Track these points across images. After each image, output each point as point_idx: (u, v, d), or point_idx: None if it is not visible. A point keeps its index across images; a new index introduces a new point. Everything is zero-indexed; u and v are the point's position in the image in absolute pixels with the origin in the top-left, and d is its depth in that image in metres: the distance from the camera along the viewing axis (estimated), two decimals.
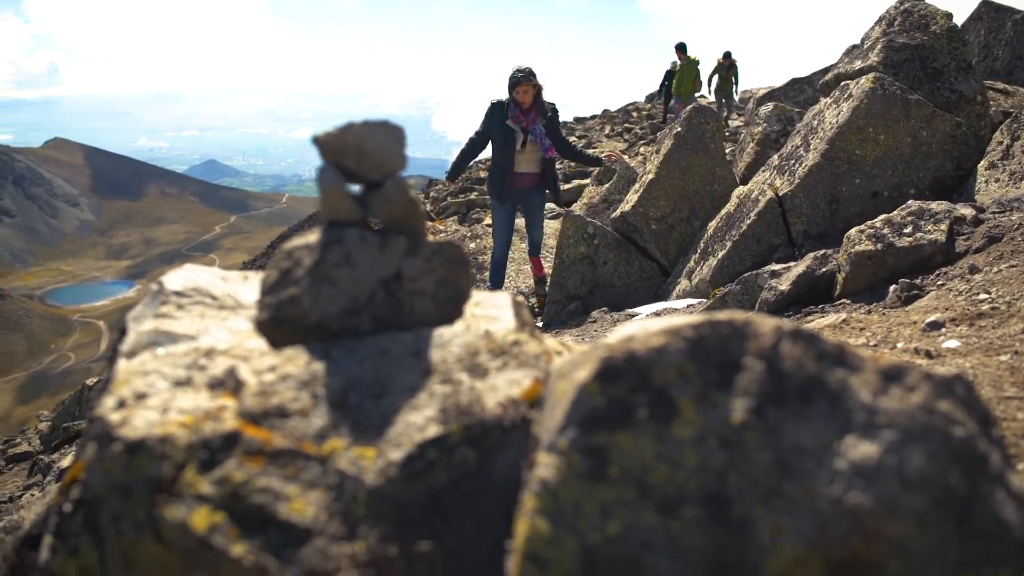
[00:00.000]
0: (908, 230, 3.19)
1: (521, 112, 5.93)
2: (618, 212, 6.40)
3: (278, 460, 0.85)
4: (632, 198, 6.30)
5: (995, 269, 2.57)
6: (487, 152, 6.37)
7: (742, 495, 0.71)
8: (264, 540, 0.80)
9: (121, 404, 0.94)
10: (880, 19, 5.44)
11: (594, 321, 5.29)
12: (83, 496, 0.92)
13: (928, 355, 1.94)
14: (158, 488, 0.85)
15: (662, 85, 18.43)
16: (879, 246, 3.16)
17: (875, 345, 2.15)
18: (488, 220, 11.55)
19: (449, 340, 0.98)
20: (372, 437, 0.86)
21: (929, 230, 3.15)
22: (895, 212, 3.36)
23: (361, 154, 0.99)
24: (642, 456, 0.73)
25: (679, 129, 6.15)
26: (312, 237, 1.04)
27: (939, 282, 2.79)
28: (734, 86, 16.61)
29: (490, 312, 1.08)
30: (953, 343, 1.98)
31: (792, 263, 4.03)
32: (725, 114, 16.22)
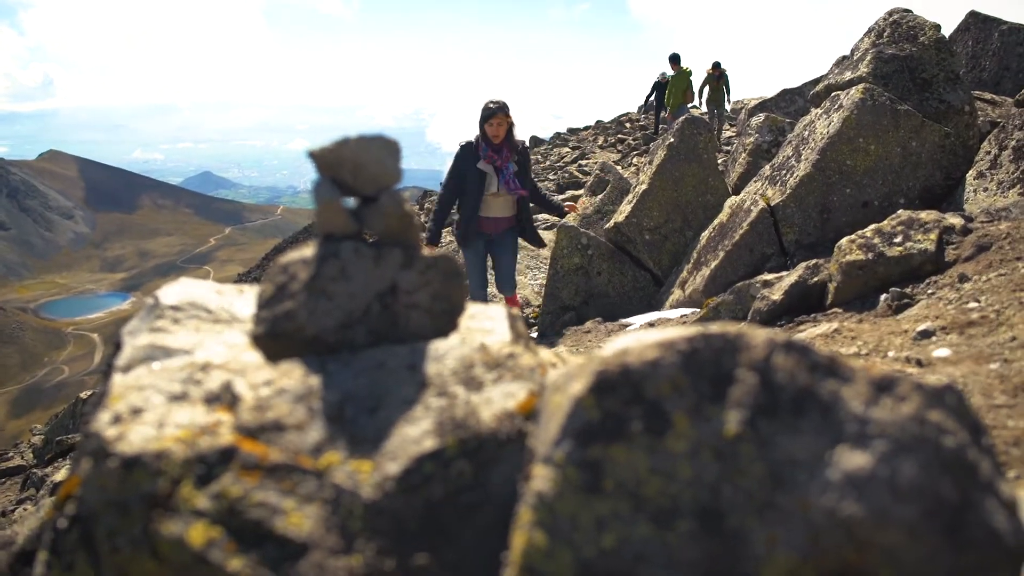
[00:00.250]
0: (898, 240, 3.21)
1: (493, 150, 5.44)
2: (611, 223, 6.42)
3: (275, 474, 0.85)
4: (625, 209, 6.33)
5: (984, 278, 2.59)
6: None
7: (736, 507, 0.72)
8: (261, 555, 0.80)
9: (117, 419, 0.94)
10: (869, 30, 5.49)
11: (588, 331, 5.30)
12: (78, 512, 0.92)
13: (919, 364, 1.95)
14: (154, 503, 0.85)
15: (648, 97, 18.56)
16: (870, 256, 3.18)
17: (867, 354, 2.16)
18: None
19: (444, 353, 0.98)
20: (368, 451, 0.87)
21: (919, 240, 3.17)
22: (885, 222, 3.38)
23: (357, 168, 1.00)
24: (636, 469, 0.73)
25: (672, 140, 6.19)
26: (308, 251, 1.04)
27: (929, 291, 2.81)
28: (725, 96, 16.70)
29: (485, 325, 1.09)
30: (944, 352, 1.99)
31: (784, 273, 4.05)
32: (716, 125, 16.31)
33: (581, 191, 11.28)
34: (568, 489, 0.73)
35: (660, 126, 18.27)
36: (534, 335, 5.98)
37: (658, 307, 5.79)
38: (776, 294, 3.55)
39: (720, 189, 6.20)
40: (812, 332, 2.62)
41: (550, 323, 6.05)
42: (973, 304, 2.34)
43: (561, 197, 13.31)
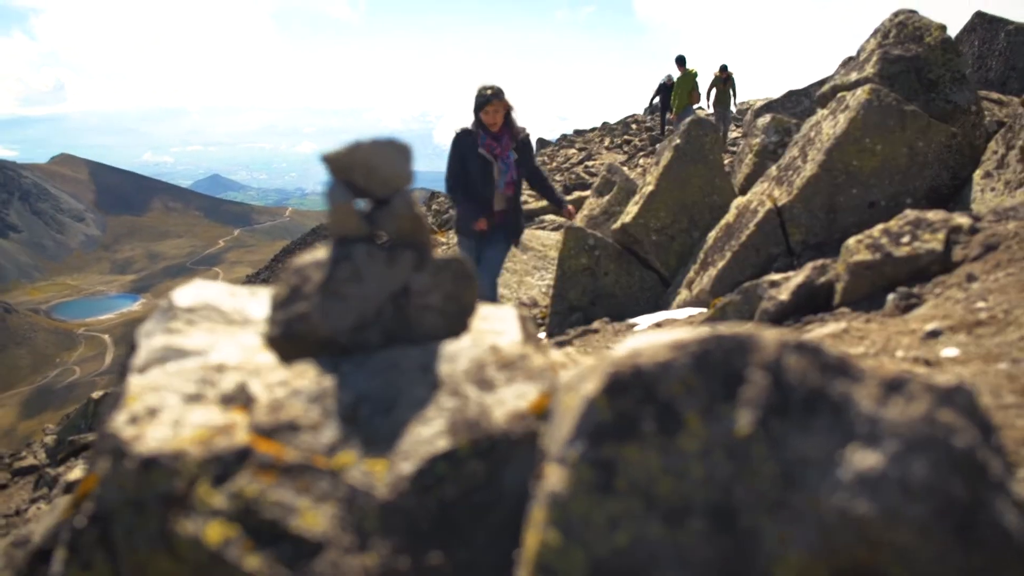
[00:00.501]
0: (905, 239, 3.21)
1: (492, 138, 5.06)
2: (618, 224, 6.42)
3: (290, 474, 0.86)
4: (632, 210, 6.33)
5: (992, 277, 2.59)
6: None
7: (748, 506, 0.72)
8: (277, 553, 0.81)
9: (133, 420, 0.95)
10: (875, 31, 5.48)
11: (596, 331, 5.30)
12: (97, 511, 0.93)
13: (927, 363, 1.95)
14: (171, 503, 0.86)
15: (652, 99, 18.56)
16: (877, 256, 3.17)
17: (875, 354, 2.16)
18: None
19: (457, 354, 0.99)
20: (382, 451, 0.88)
21: (926, 239, 3.16)
22: (892, 222, 3.38)
23: (369, 171, 1.01)
24: (649, 468, 0.74)
25: (678, 141, 6.19)
26: (321, 253, 1.06)
27: (937, 291, 2.80)
28: (732, 98, 16.69)
29: (496, 326, 1.10)
30: (952, 351, 1.99)
31: (791, 273, 4.04)
32: (723, 126, 16.29)
33: (588, 192, 11.29)
34: (581, 488, 0.74)
35: (666, 127, 18.26)
36: (541, 335, 5.99)
37: (665, 307, 5.79)
38: (783, 294, 3.55)
39: (727, 190, 6.20)
40: (820, 332, 2.62)
41: (557, 323, 6.06)
42: (981, 304, 2.34)
43: (568, 198, 13.32)
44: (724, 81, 16.23)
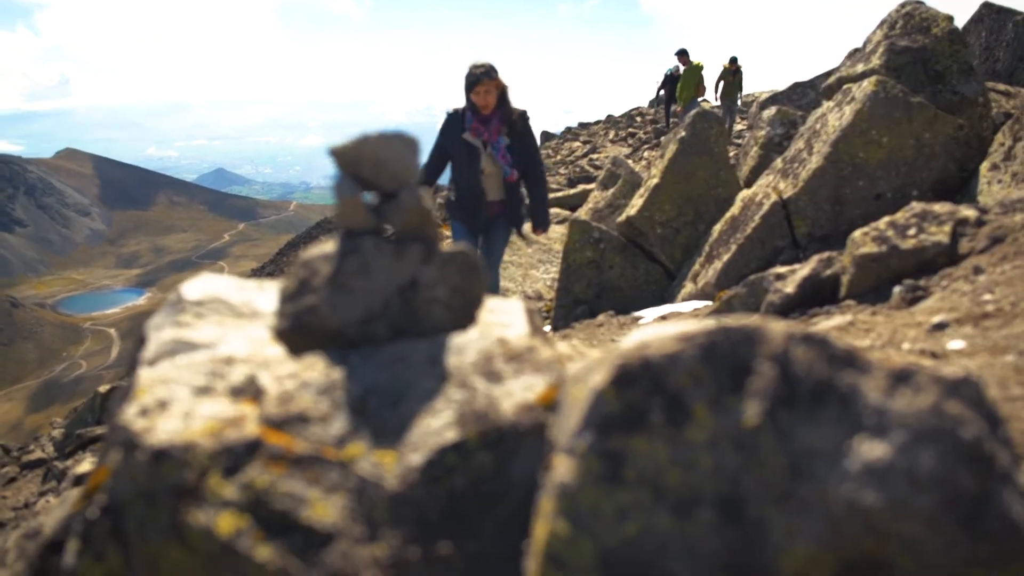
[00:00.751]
0: (912, 232, 3.20)
1: (480, 121, 4.66)
2: (623, 216, 6.42)
3: (300, 465, 0.87)
4: (637, 202, 6.32)
5: (999, 270, 2.58)
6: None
7: (756, 497, 0.73)
8: (288, 543, 0.82)
9: (144, 412, 0.96)
10: (882, 22, 5.46)
11: (601, 325, 5.31)
12: (109, 502, 0.94)
13: (934, 356, 1.95)
14: (183, 494, 0.87)
15: (659, 90, 18.46)
16: (883, 248, 3.17)
17: (881, 346, 2.16)
18: None
19: (465, 346, 1.00)
20: (391, 442, 0.88)
21: (933, 232, 3.16)
22: (899, 214, 3.37)
23: (377, 165, 1.01)
24: (657, 459, 0.75)
25: (683, 134, 6.17)
26: (329, 247, 1.06)
27: (943, 283, 2.79)
28: (739, 92, 16.64)
29: (503, 319, 1.10)
30: (958, 344, 1.99)
31: (797, 265, 4.03)
32: (729, 119, 16.25)
33: (592, 185, 11.27)
34: (590, 479, 0.75)
35: (671, 120, 18.21)
36: (547, 328, 6.00)
37: (670, 300, 5.79)
38: (789, 287, 3.54)
39: (732, 182, 6.18)
40: (826, 324, 2.62)
41: (563, 316, 6.06)
42: (988, 296, 2.33)
43: (573, 191, 13.29)
44: (733, 74, 16.17)
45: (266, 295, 1.24)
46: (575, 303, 6.12)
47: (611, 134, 23.52)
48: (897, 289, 2.91)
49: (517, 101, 4.83)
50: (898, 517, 0.71)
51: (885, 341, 2.18)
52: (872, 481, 0.72)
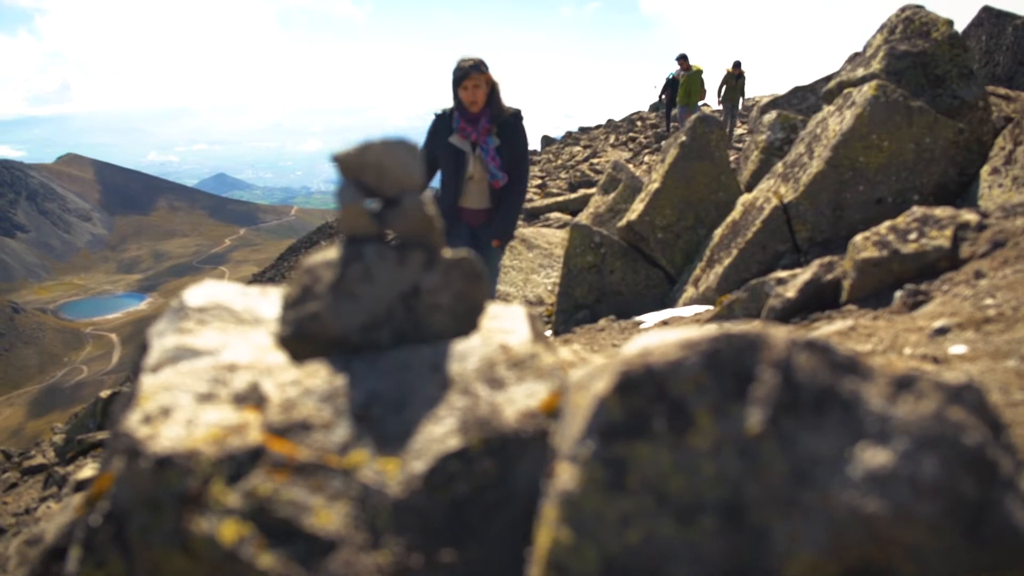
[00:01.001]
0: (913, 236, 3.20)
1: (468, 121, 4.34)
2: (624, 221, 6.42)
3: (303, 473, 0.87)
4: (638, 207, 6.33)
5: (1000, 274, 2.58)
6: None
7: (759, 504, 0.73)
8: (291, 551, 0.82)
9: (147, 419, 0.96)
10: (882, 27, 5.47)
11: (602, 329, 5.31)
12: (111, 509, 0.94)
13: (935, 361, 1.95)
14: (186, 501, 0.87)
15: (661, 94, 18.46)
16: (884, 252, 3.17)
17: (882, 351, 2.16)
18: None
19: (467, 353, 1.00)
20: (394, 449, 0.89)
21: (934, 236, 3.16)
22: (900, 218, 3.37)
23: (380, 171, 1.01)
24: (660, 466, 0.75)
25: (684, 138, 6.18)
26: (331, 253, 1.06)
27: (944, 288, 2.79)
28: (741, 96, 16.65)
29: (505, 325, 1.10)
30: (960, 348, 1.99)
31: (798, 270, 4.04)
32: (730, 123, 16.27)
33: (593, 190, 11.28)
34: (593, 486, 0.75)
35: (672, 124, 18.22)
36: (548, 333, 6.00)
37: (671, 305, 5.79)
38: (790, 291, 3.54)
39: (732, 187, 6.19)
40: (827, 329, 2.62)
41: (563, 321, 6.07)
42: (989, 300, 2.33)
43: (573, 196, 13.30)
44: (737, 78, 16.19)
45: (269, 302, 1.24)
46: (576, 308, 6.13)
47: (612, 138, 23.56)
48: (898, 294, 2.91)
49: (518, 103, 4.62)
50: (901, 524, 0.72)
51: (887, 346, 2.18)
52: (875, 488, 0.72)
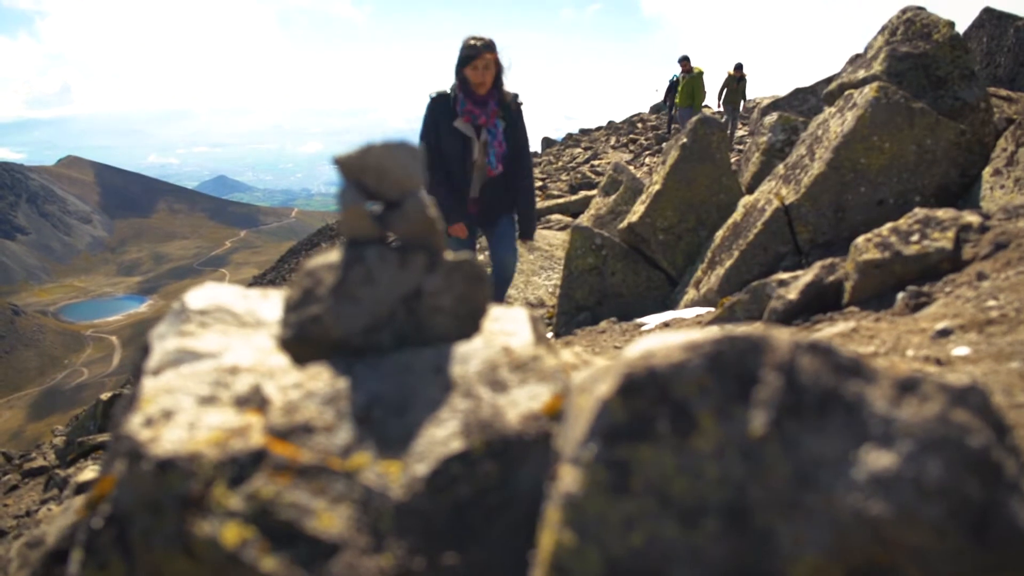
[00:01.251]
0: (915, 238, 3.20)
1: (475, 103, 4.07)
2: (625, 223, 6.42)
3: (305, 475, 0.87)
4: (639, 209, 6.33)
5: (1003, 275, 2.58)
6: None
7: (762, 506, 0.73)
8: (293, 554, 0.82)
9: (149, 422, 0.96)
10: (883, 28, 5.47)
11: (603, 331, 5.30)
12: (113, 512, 0.94)
13: (938, 363, 1.95)
14: (188, 504, 0.87)
15: (666, 96, 18.46)
16: (886, 254, 3.16)
17: (885, 353, 2.16)
18: None
19: (469, 355, 1.00)
20: (397, 452, 0.88)
21: (936, 238, 3.15)
22: (902, 220, 3.37)
23: (381, 174, 1.01)
24: (663, 468, 0.75)
25: (684, 140, 6.18)
26: (333, 256, 1.06)
27: (947, 289, 2.79)
28: (742, 98, 16.66)
29: (507, 327, 1.10)
30: (963, 350, 1.99)
31: (800, 272, 4.03)
32: (731, 125, 16.27)
33: (594, 191, 11.29)
34: (596, 489, 0.74)
35: (672, 126, 18.23)
36: (549, 336, 6.00)
37: (673, 307, 5.78)
38: (792, 293, 3.54)
39: (734, 189, 6.19)
40: (829, 331, 2.62)
41: (565, 323, 6.06)
42: (992, 302, 2.33)
43: (574, 197, 13.31)
44: (738, 81, 16.20)
45: (270, 304, 1.24)
46: (577, 310, 6.12)
47: (612, 140, 23.56)
48: (900, 295, 2.91)
49: (507, 69, 4.25)
50: (905, 526, 0.71)
51: (889, 348, 2.17)
52: (879, 490, 0.72)
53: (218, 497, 0.86)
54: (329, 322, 1.01)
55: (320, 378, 0.99)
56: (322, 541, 0.82)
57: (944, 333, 2.17)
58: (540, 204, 13.18)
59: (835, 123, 4.88)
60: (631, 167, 12.67)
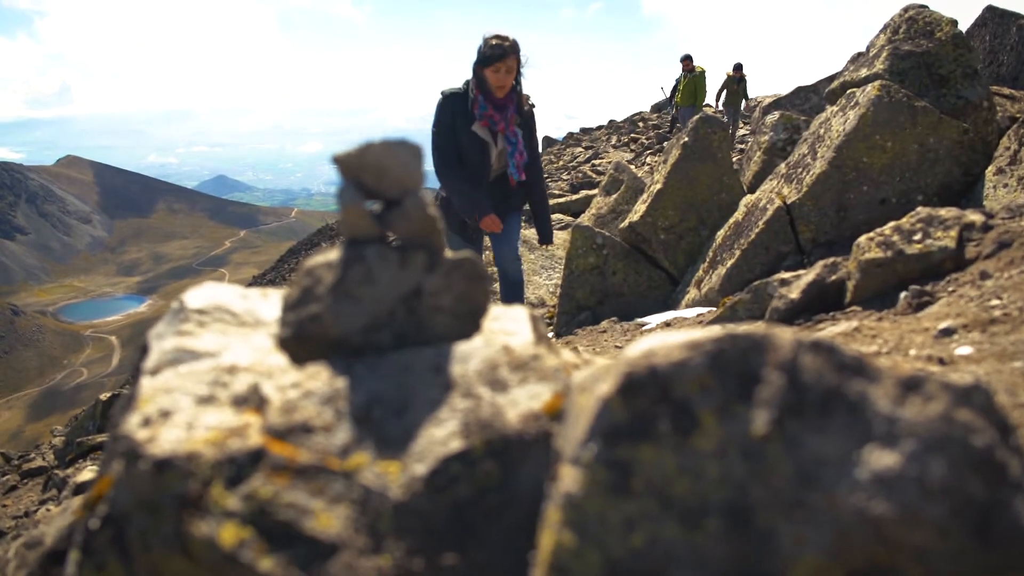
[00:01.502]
0: (918, 237, 3.19)
1: (495, 108, 3.87)
2: (626, 222, 6.41)
3: (304, 475, 0.86)
4: (640, 208, 6.32)
5: (1006, 275, 2.57)
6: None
7: (764, 506, 0.72)
8: (291, 555, 0.81)
9: (147, 422, 0.95)
10: (885, 27, 5.46)
11: (604, 331, 5.30)
12: (110, 512, 0.93)
13: (941, 362, 1.94)
14: (185, 504, 0.86)
15: (672, 95, 18.43)
16: (889, 253, 3.16)
17: (887, 352, 2.15)
18: None
19: (469, 355, 0.99)
20: (396, 452, 0.88)
21: (939, 237, 3.14)
22: (904, 219, 3.36)
23: (380, 172, 1.01)
24: (664, 468, 0.74)
25: (686, 139, 6.17)
26: (332, 255, 1.06)
27: (950, 288, 2.78)
28: (743, 98, 16.64)
29: (508, 326, 1.10)
30: (966, 350, 1.98)
31: (801, 271, 4.02)
32: (732, 124, 16.25)
33: (595, 191, 11.28)
34: (596, 489, 0.74)
35: (674, 125, 18.22)
36: (550, 335, 5.98)
37: (674, 306, 5.78)
38: (794, 292, 3.53)
39: (735, 188, 6.18)
40: (831, 331, 2.61)
41: (565, 323, 6.06)
42: (995, 301, 2.32)
43: (575, 197, 13.31)
44: (738, 81, 16.18)
45: (269, 303, 1.23)
46: (578, 309, 6.12)
47: (613, 139, 23.54)
48: (903, 295, 2.90)
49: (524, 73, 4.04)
50: (908, 526, 0.71)
51: (892, 347, 2.16)
52: (882, 490, 0.72)
53: (216, 497, 0.85)
54: (328, 321, 1.01)
55: (319, 377, 0.98)
56: (320, 541, 0.82)
57: (947, 332, 2.16)
58: None
59: (837, 122, 4.87)
60: (632, 166, 12.67)
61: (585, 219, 8.63)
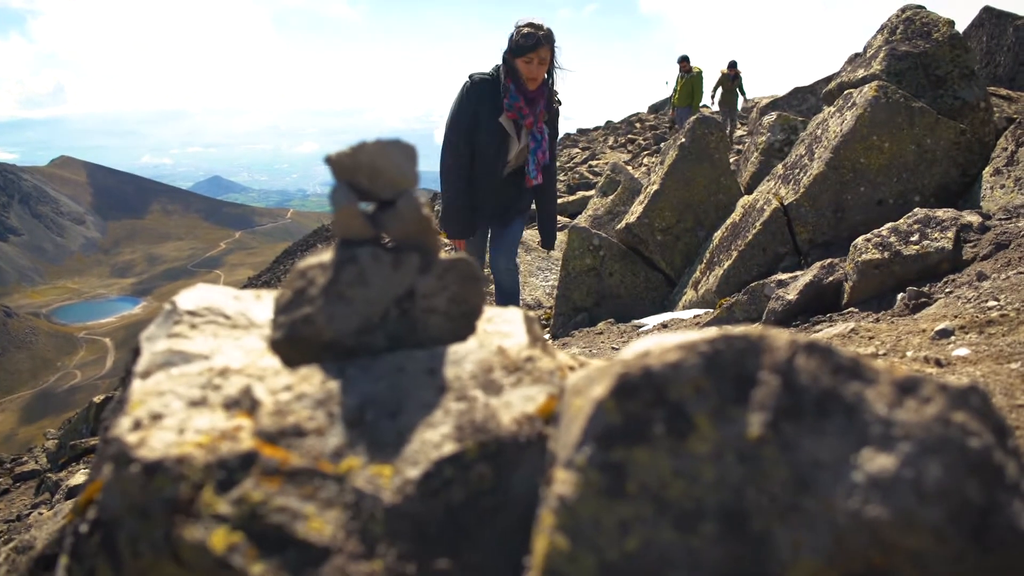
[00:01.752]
0: (915, 238, 3.19)
1: (526, 100, 3.59)
2: (623, 223, 6.41)
3: (295, 479, 0.85)
4: (637, 209, 6.32)
5: (1003, 276, 2.57)
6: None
7: (760, 510, 0.71)
8: (283, 560, 0.80)
9: (137, 425, 0.94)
10: (882, 27, 5.46)
11: (601, 333, 5.29)
12: (100, 517, 0.92)
13: (938, 363, 1.94)
14: (176, 509, 0.86)
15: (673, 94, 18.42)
16: (886, 254, 3.15)
17: (884, 354, 2.15)
18: None
19: (463, 357, 0.98)
20: (389, 455, 0.87)
21: (936, 238, 3.14)
22: (901, 220, 3.36)
23: (374, 173, 1.00)
24: (659, 472, 0.73)
25: (683, 140, 6.17)
26: (325, 256, 1.05)
27: (947, 290, 2.78)
28: (738, 98, 16.64)
29: (502, 328, 1.09)
30: (963, 351, 1.98)
31: (799, 272, 4.03)
32: (729, 125, 16.26)
33: (592, 192, 11.28)
34: (590, 492, 0.73)
35: (673, 126, 18.23)
36: (546, 337, 5.98)
37: (671, 308, 5.77)
38: (791, 294, 3.53)
39: (732, 189, 6.18)
40: (828, 332, 2.61)
41: (562, 325, 6.05)
42: (992, 302, 2.32)
43: (572, 198, 13.31)
44: (733, 79, 16.18)
45: (262, 305, 1.22)
46: (575, 311, 6.11)
47: (610, 140, 23.55)
48: (900, 296, 2.90)
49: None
50: (905, 530, 0.70)
51: (889, 349, 2.16)
52: (878, 493, 0.71)
53: (207, 501, 0.84)
54: (321, 323, 1.00)
55: (311, 380, 0.97)
56: (312, 546, 0.81)
57: (944, 334, 2.15)
58: None
59: (834, 123, 4.87)
60: (629, 167, 12.66)
61: (582, 220, 8.63)
